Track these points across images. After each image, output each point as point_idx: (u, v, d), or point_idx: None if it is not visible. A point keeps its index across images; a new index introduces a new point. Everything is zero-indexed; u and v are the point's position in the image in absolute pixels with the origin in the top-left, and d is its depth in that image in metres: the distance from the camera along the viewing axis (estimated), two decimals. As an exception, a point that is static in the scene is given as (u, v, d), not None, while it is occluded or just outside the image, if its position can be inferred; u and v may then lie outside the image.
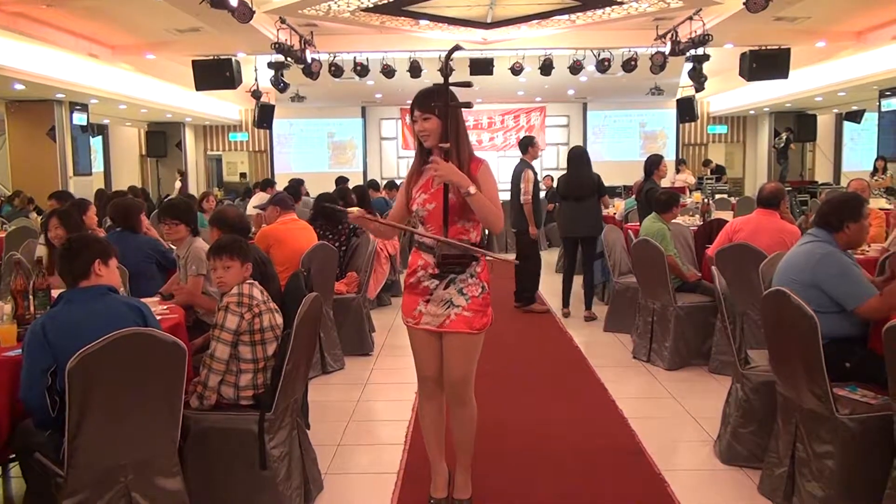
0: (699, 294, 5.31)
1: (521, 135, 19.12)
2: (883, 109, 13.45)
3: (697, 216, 8.12)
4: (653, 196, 6.35)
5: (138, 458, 2.50)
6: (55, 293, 2.85)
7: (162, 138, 17.92)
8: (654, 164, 7.19)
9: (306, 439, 3.25)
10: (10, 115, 12.68)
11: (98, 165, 16.35)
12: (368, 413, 4.44)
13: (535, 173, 7.02)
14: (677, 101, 17.29)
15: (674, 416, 4.26)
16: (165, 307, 3.50)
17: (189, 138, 18.80)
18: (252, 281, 3.09)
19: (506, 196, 6.52)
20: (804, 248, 3.49)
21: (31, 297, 3.07)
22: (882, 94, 13.25)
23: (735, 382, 3.61)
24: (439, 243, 2.75)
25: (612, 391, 4.67)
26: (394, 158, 19.62)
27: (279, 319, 3.09)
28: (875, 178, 12.83)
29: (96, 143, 16.27)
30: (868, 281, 3.35)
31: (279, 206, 5.21)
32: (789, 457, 3.05)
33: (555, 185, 11.54)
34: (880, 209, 6.55)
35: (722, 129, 19.50)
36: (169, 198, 8.62)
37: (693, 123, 18.38)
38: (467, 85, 2.90)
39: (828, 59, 12.73)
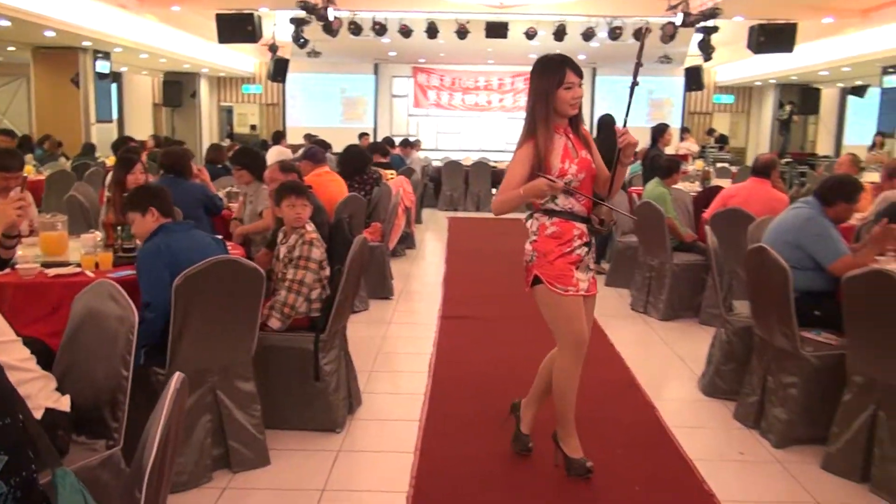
0: (694, 254, 5.82)
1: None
2: (885, 86, 13.82)
3: (697, 183, 8.61)
4: (657, 162, 6.83)
5: (223, 363, 3.03)
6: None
7: (178, 88, 18.24)
8: (659, 132, 7.66)
9: (350, 360, 3.79)
10: (35, 61, 13.04)
11: (113, 113, 16.78)
12: (394, 346, 4.99)
13: None
14: (686, 69, 17.58)
15: (665, 358, 4.81)
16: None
17: (204, 89, 19.14)
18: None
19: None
20: (794, 211, 3.99)
21: (119, 229, 3.57)
22: (885, 71, 13.60)
23: (720, 328, 4.14)
24: (599, 209, 2.88)
25: (611, 337, 5.20)
26: (404, 116, 19.99)
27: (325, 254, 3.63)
28: (872, 152, 13.27)
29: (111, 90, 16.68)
30: (844, 244, 3.85)
31: (311, 161, 5.70)
32: (761, 388, 3.60)
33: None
34: (870, 183, 7.01)
35: (728, 99, 19.84)
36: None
37: (700, 92, 18.73)
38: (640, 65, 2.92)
39: (834, 34, 13.05)
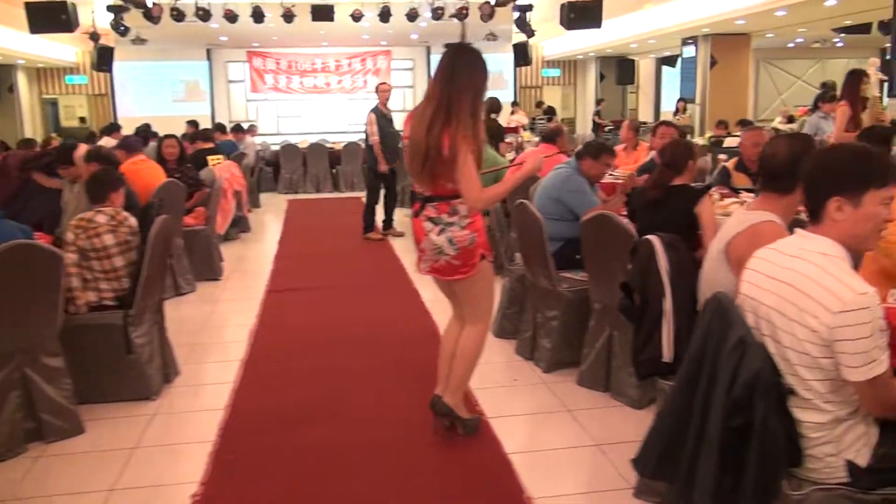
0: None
1: (368, 78, 19.80)
2: (685, 56, 15.23)
3: (512, 152, 9.31)
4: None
5: (27, 342, 3.22)
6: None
7: (-9, 82, 17.16)
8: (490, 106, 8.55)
9: (164, 333, 4.04)
10: None
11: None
12: (219, 321, 5.25)
13: (381, 115, 7.88)
14: (513, 45, 18.46)
15: (469, 311, 5.36)
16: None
17: (22, 82, 18.06)
18: (102, 209, 3.79)
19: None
20: (556, 171, 4.61)
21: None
22: (684, 42, 14.99)
23: (505, 277, 4.72)
24: None
25: (423, 295, 5.71)
26: (242, 101, 19.74)
27: (127, 237, 3.80)
28: (676, 117, 14.64)
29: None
30: (594, 197, 4.49)
31: (125, 150, 5.81)
32: (533, 324, 4.18)
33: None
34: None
35: (555, 73, 20.99)
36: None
37: (529, 67, 19.71)
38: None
39: (636, 9, 14.20)
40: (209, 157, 8.05)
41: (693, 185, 3.77)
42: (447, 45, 3.11)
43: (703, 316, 2.02)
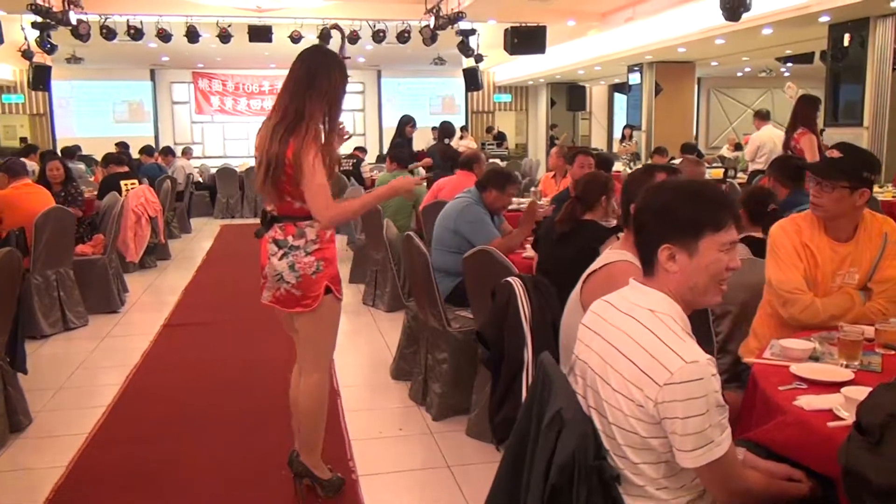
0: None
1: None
2: (631, 83, 15.19)
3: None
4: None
5: None
6: None
7: (-80, 100, 16.49)
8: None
9: (13, 378, 3.63)
10: None
11: None
12: (99, 360, 4.82)
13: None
14: (463, 70, 18.32)
15: (374, 348, 5.02)
16: None
17: (-45, 100, 17.46)
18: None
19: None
20: (455, 201, 4.32)
21: None
22: (630, 69, 14.96)
23: (405, 314, 4.40)
24: None
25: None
26: (187, 123, 19.29)
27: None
28: (623, 144, 14.56)
29: None
30: (494, 229, 4.22)
31: (7, 174, 5.40)
32: (424, 366, 3.86)
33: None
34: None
35: (506, 98, 20.90)
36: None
37: (480, 92, 19.58)
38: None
39: (579, 36, 14.12)
40: (123, 182, 7.64)
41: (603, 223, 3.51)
42: (302, 51, 2.79)
43: (534, 381, 1.72)
